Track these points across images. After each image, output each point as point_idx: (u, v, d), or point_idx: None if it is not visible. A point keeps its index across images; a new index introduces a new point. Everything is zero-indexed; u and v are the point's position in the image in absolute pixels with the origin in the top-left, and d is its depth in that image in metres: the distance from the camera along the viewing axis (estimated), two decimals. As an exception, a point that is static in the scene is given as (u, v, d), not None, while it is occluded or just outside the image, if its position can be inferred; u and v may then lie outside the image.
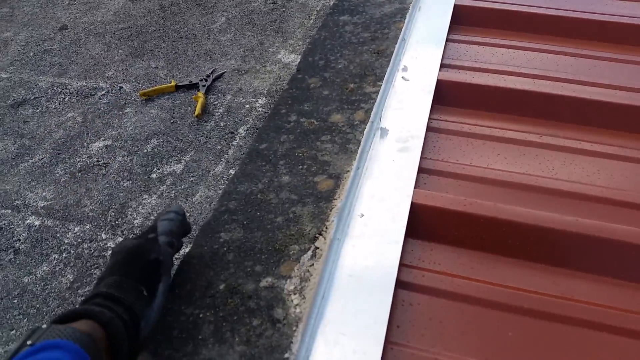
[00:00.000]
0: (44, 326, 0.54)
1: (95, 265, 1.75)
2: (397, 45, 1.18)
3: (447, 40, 1.23)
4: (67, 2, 3.44)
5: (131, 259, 0.67)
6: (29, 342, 0.52)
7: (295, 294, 0.73)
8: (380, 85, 1.08)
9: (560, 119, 1.05)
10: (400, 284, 0.77)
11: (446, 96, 1.10)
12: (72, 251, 1.81)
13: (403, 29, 1.24)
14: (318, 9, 3.08)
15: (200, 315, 0.73)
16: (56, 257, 1.80)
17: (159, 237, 0.71)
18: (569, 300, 0.75)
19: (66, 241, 1.85)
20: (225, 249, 0.81)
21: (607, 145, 0.98)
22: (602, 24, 1.24)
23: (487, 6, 1.32)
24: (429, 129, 1.02)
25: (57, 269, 1.76)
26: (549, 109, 1.06)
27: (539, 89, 1.07)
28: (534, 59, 1.19)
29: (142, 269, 0.66)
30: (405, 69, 1.14)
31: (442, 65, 1.16)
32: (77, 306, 0.63)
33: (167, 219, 0.76)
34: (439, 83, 1.10)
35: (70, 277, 1.71)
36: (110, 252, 0.73)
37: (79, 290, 1.67)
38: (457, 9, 1.31)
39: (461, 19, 1.31)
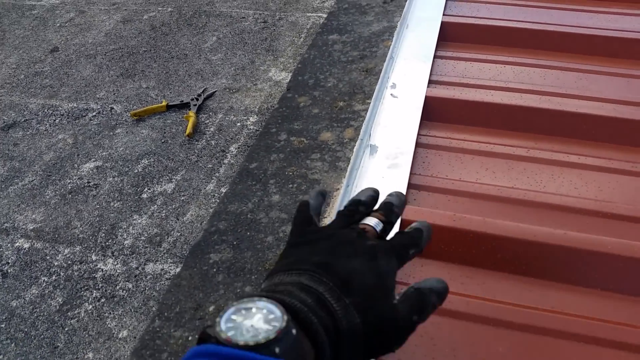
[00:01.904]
0: (294, 332, 0.41)
1: (86, 287, 1.73)
2: (385, 63, 1.19)
3: (435, 57, 1.24)
4: (58, 25, 3.46)
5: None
6: (277, 350, 0.39)
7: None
8: (369, 103, 1.09)
9: (548, 133, 1.06)
10: (391, 302, 0.76)
11: (435, 112, 1.10)
12: (61, 273, 1.79)
13: (391, 46, 1.25)
14: (308, 27, 3.11)
15: (190, 338, 0.72)
16: (45, 279, 1.78)
17: (411, 249, 0.58)
18: (559, 314, 0.75)
19: (56, 263, 1.83)
20: (214, 270, 0.80)
21: (595, 157, 0.99)
22: (587, 38, 1.26)
23: (474, 22, 1.34)
24: (418, 145, 1.02)
25: (47, 291, 1.73)
26: (536, 122, 1.07)
27: (526, 103, 1.08)
28: (521, 74, 1.20)
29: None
30: (394, 86, 1.15)
31: (430, 82, 1.17)
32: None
33: (425, 234, 0.60)
34: (428, 99, 1.10)
35: (60, 300, 1.69)
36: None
37: (69, 313, 1.65)
38: (444, 25, 1.33)
39: (448, 36, 1.33)
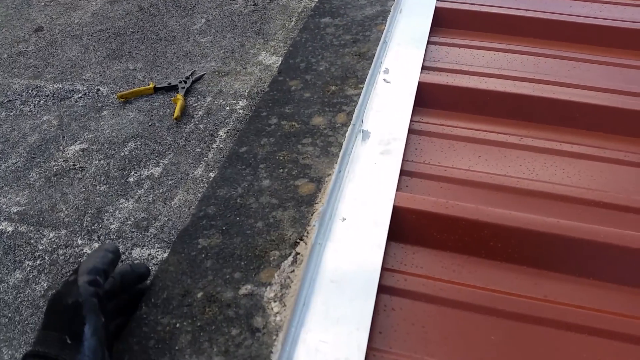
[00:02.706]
0: None
1: (71, 272, 1.71)
2: (378, 48, 1.17)
3: (429, 42, 1.23)
4: (43, 4, 3.37)
5: (50, 309, 0.65)
6: None
7: (275, 301, 0.72)
8: (362, 88, 1.07)
9: (541, 121, 1.06)
10: (382, 289, 0.75)
11: (428, 98, 1.09)
12: (46, 257, 1.76)
13: (384, 31, 1.23)
14: (299, 10, 3.07)
15: (177, 325, 0.70)
16: (30, 264, 1.75)
17: (79, 277, 0.67)
18: (551, 303, 0.75)
19: (40, 247, 1.80)
20: (203, 255, 0.79)
21: (588, 146, 0.98)
22: (581, 26, 1.25)
23: (468, 8, 1.32)
24: (410, 131, 1.01)
25: (31, 276, 1.71)
26: (530, 110, 1.06)
27: (519, 91, 1.07)
28: (515, 61, 1.19)
29: (61, 317, 0.64)
30: (386, 71, 1.13)
31: (424, 68, 1.15)
32: None
33: (93, 256, 0.71)
34: (421, 85, 1.09)
35: (45, 285, 1.66)
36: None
37: (54, 299, 1.62)
38: (438, 11, 1.31)
39: (442, 21, 1.31)
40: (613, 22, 1.25)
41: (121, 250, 1.74)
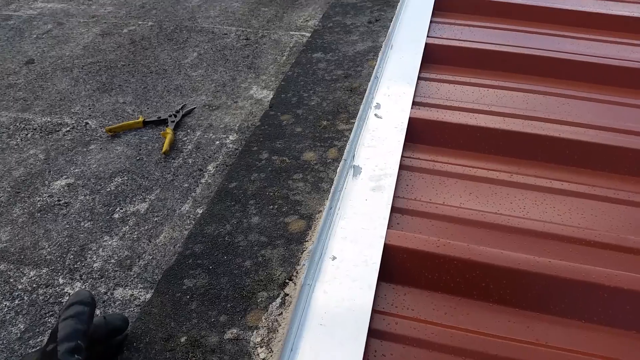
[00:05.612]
0: None
1: (50, 313, 1.64)
2: (370, 83, 1.18)
3: (419, 78, 1.23)
4: (34, 36, 3.38)
5: None
6: None
7: (262, 346, 0.68)
8: (354, 123, 1.07)
9: (531, 158, 1.05)
10: (372, 333, 0.73)
11: (418, 134, 1.09)
12: (25, 297, 1.70)
13: (376, 66, 1.24)
14: (291, 45, 3.11)
15: (159, 371, 0.67)
16: (7, 304, 1.68)
17: (59, 346, 0.62)
18: (543, 347, 0.73)
19: (20, 287, 1.74)
20: (188, 296, 0.76)
21: (578, 184, 0.98)
22: (571, 63, 1.27)
23: (458, 45, 1.34)
24: (401, 167, 1.00)
25: (8, 317, 1.64)
26: (519, 147, 1.06)
27: (509, 127, 1.07)
28: (504, 97, 1.20)
29: None
30: (378, 106, 1.13)
31: (414, 103, 1.15)
32: None
33: (69, 316, 0.65)
34: (411, 121, 1.09)
35: (22, 327, 1.60)
36: None
37: (30, 341, 1.55)
38: (428, 47, 1.32)
39: (432, 58, 1.32)
40: (601, 59, 1.27)
41: (103, 291, 1.69)
